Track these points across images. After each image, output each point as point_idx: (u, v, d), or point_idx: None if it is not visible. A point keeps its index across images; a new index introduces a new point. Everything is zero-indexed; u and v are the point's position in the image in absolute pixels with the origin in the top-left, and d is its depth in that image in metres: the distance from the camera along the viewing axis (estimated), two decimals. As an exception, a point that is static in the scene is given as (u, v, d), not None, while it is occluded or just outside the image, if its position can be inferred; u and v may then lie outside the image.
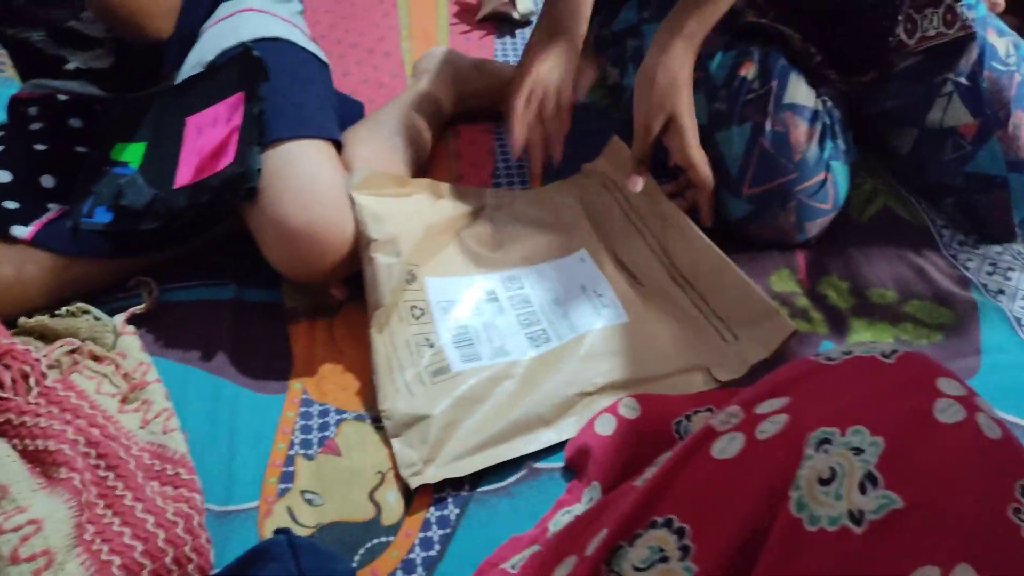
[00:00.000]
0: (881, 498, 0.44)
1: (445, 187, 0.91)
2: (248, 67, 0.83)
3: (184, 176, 0.81)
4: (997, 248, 0.90)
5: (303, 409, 0.74)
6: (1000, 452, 0.46)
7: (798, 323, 0.83)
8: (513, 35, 1.29)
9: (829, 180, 0.85)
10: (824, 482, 0.45)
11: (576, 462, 0.71)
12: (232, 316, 0.82)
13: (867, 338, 0.81)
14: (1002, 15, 2.05)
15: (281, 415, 0.74)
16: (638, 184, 0.87)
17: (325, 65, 0.96)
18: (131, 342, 0.77)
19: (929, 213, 0.94)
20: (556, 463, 0.71)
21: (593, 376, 0.74)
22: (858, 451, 0.46)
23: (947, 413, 0.47)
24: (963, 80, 0.88)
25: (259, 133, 0.78)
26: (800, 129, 0.84)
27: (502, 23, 1.30)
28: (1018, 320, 0.82)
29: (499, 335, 0.78)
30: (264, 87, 0.82)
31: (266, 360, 0.78)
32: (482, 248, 0.87)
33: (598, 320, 0.79)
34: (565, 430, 0.72)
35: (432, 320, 0.78)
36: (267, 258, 0.79)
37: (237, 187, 0.76)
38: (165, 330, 0.81)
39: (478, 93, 1.11)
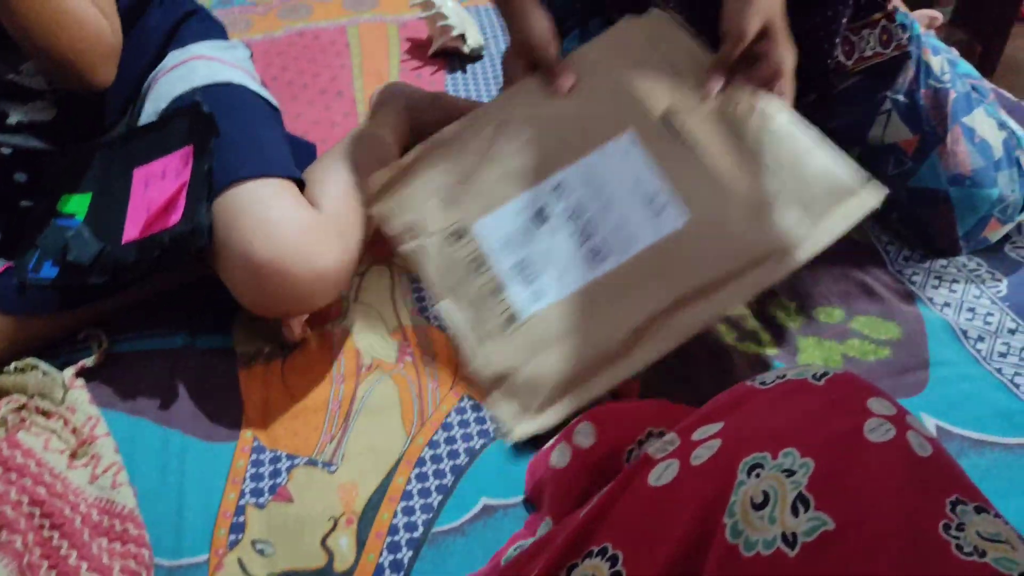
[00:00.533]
0: (813, 519, 0.44)
1: (448, 131, 0.84)
2: (199, 121, 0.83)
3: (132, 231, 0.80)
4: (942, 262, 0.91)
5: (254, 456, 0.74)
6: (930, 469, 0.47)
7: (748, 345, 0.84)
8: (464, 69, 1.30)
9: None
10: (758, 506, 0.46)
11: (535, 496, 0.71)
12: (182, 365, 0.82)
13: (816, 356, 0.82)
14: (950, 28, 2.10)
15: (232, 464, 0.73)
16: (717, 86, 0.76)
17: (276, 110, 0.96)
18: (80, 396, 0.77)
19: (875, 231, 0.96)
20: (512, 499, 0.71)
21: (660, 293, 0.71)
22: (790, 473, 0.47)
23: (877, 432, 0.48)
24: (901, 97, 0.90)
25: (208, 190, 0.78)
26: None
27: (453, 58, 1.32)
28: (964, 332, 0.83)
29: (558, 262, 0.74)
30: (220, 133, 0.82)
31: (217, 408, 0.78)
32: (518, 160, 0.79)
33: (658, 227, 0.73)
34: (642, 358, 0.71)
35: (491, 266, 0.76)
36: (236, 296, 0.78)
37: (187, 245, 0.76)
38: (115, 382, 0.80)
39: (434, 126, 1.12)
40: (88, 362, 0.80)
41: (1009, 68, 2.25)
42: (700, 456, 0.50)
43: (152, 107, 0.89)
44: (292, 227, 0.76)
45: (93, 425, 0.74)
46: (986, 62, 2.06)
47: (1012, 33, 2.05)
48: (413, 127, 1.10)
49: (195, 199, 0.78)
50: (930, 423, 0.75)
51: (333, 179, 0.90)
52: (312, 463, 0.73)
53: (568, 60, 0.82)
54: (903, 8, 1.13)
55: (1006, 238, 0.94)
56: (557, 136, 0.79)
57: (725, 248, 0.71)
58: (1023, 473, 0.70)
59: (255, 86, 0.94)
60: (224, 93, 0.88)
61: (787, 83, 0.75)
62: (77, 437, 0.73)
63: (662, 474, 0.51)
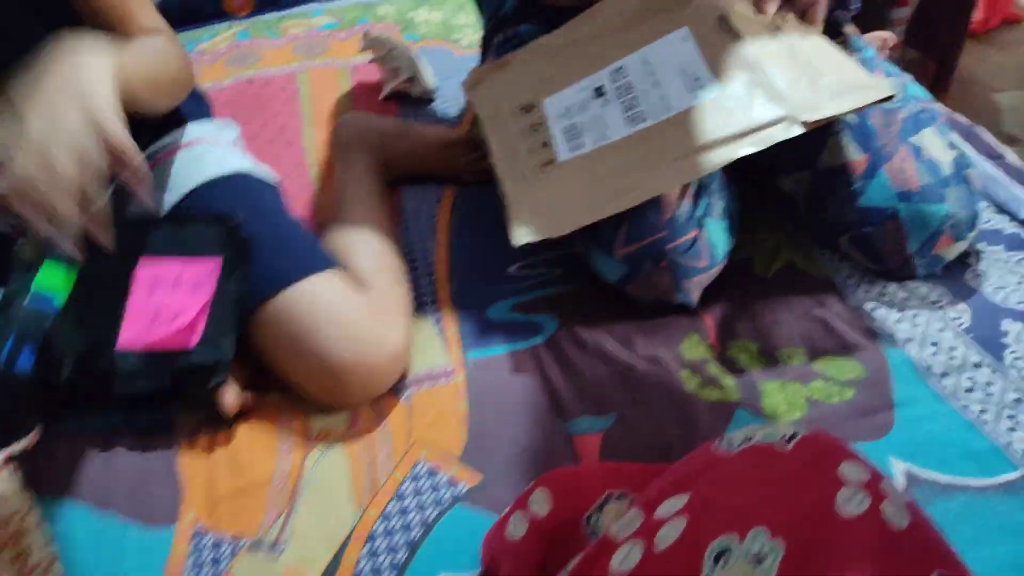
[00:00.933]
0: (782, 615, 0.41)
1: (540, 41, 0.97)
2: (234, 241, 0.82)
3: (130, 334, 0.76)
4: (902, 293, 0.89)
5: (195, 541, 0.70)
6: (908, 543, 0.44)
7: (710, 391, 0.82)
8: (417, 112, 1.28)
9: (702, 238, 0.85)
10: (723, 601, 0.43)
11: (492, 569, 0.68)
12: (120, 443, 0.78)
13: (780, 400, 0.80)
14: (904, 48, 2.12)
15: (171, 551, 0.69)
16: (774, 7, 0.86)
17: (278, 188, 0.97)
18: (10, 484, 0.72)
19: (832, 264, 0.94)
20: (469, 573, 0.68)
21: (676, 142, 0.82)
22: (759, 559, 0.44)
23: (851, 503, 0.45)
24: (852, 119, 0.90)
25: (235, 320, 0.77)
26: None
27: (404, 101, 1.30)
28: (928, 368, 0.81)
29: (603, 124, 0.86)
30: (251, 239, 0.82)
31: (156, 488, 0.74)
32: (588, 53, 0.93)
33: (693, 98, 0.83)
34: (658, 186, 0.82)
35: (548, 127, 0.90)
36: (312, 397, 0.80)
37: (206, 378, 0.74)
38: (50, 466, 0.76)
39: (404, 156, 1.11)
40: (19, 447, 0.76)
41: (963, 84, 2.28)
42: (665, 538, 0.47)
43: (157, 192, 0.87)
44: (362, 323, 0.79)
45: (23, 516, 0.70)
46: (940, 80, 2.08)
47: (964, 49, 2.07)
48: (385, 160, 1.09)
49: (219, 327, 0.76)
50: (898, 468, 0.73)
51: (358, 250, 0.91)
52: (257, 546, 0.69)
53: None
54: (856, 32, 1.13)
55: (965, 264, 0.92)
56: (624, 35, 0.93)
57: (748, 110, 0.80)
58: (993, 518, 0.68)
59: (258, 170, 0.94)
60: (241, 187, 0.90)
61: (820, 8, 0.87)
62: (6, 530, 0.69)
63: (625, 558, 0.48)
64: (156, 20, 0.85)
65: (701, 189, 0.86)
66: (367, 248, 0.92)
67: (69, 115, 0.63)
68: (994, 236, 0.95)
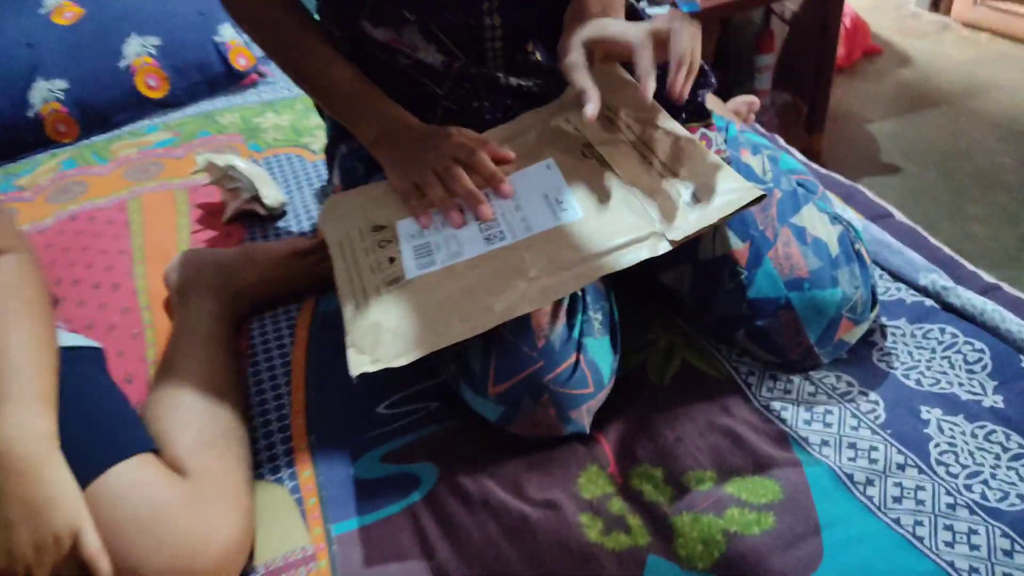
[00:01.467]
0: None
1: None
2: None
3: None
4: (809, 387, 0.81)
5: None
6: None
7: (616, 536, 0.71)
8: (265, 233, 1.15)
9: (583, 361, 0.75)
10: None
11: None
12: None
13: (694, 539, 0.69)
14: (773, 92, 2.12)
15: None
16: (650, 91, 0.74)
17: (95, 349, 0.85)
18: None
19: (730, 361, 0.85)
20: None
21: (536, 260, 0.74)
22: None
23: None
24: None
25: None
26: (541, 310, 0.74)
27: (251, 221, 1.17)
28: (851, 477, 0.72)
29: (457, 242, 0.79)
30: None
31: None
32: None
33: (553, 220, 0.78)
34: (519, 306, 0.71)
35: (399, 244, 0.81)
36: None
37: None
38: None
39: (253, 286, 0.98)
40: None
41: (836, 119, 2.30)
42: None
43: None
44: (179, 523, 0.67)
45: None
46: (813, 118, 2.08)
47: (832, 84, 2.09)
48: (233, 296, 0.95)
49: None
50: (836, 612, 0.62)
51: (182, 421, 0.77)
52: None
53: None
54: (720, 108, 1.06)
55: (870, 344, 0.85)
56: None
57: (613, 229, 0.74)
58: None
59: (68, 336, 0.83)
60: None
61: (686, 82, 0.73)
62: None
63: None
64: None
65: (574, 306, 0.76)
66: (193, 417, 0.78)
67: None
68: (895, 308, 0.88)
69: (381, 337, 0.72)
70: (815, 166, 1.12)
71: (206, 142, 1.37)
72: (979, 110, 2.31)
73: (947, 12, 2.75)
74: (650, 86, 0.70)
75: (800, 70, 2.13)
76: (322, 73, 0.89)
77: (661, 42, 0.71)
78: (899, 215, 1.01)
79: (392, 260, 0.79)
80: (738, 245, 0.80)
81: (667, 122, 0.81)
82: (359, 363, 0.71)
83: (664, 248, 0.71)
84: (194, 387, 0.80)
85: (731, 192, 0.73)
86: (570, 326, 0.75)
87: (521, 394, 0.72)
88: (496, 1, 0.86)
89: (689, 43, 0.69)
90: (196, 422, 0.77)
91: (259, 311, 1.00)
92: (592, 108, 0.73)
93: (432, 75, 0.90)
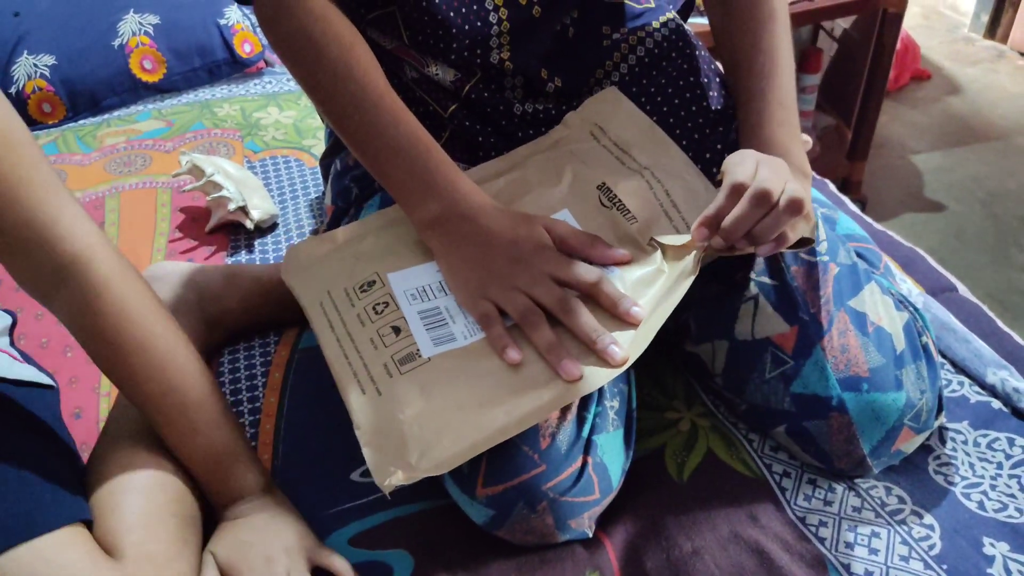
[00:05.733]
0: None
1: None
2: None
3: None
4: (854, 500, 0.69)
5: None
6: None
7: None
8: (250, 247, 1.04)
9: (591, 465, 0.63)
10: None
11: None
12: None
13: None
14: (817, 114, 1.98)
15: None
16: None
17: (50, 388, 0.74)
18: None
19: (763, 455, 0.74)
20: None
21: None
22: None
23: None
24: (767, 279, 0.70)
25: None
26: None
27: (236, 234, 1.06)
28: (897, 623, 0.61)
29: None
30: None
31: None
32: None
33: None
34: (553, 401, 0.60)
35: (399, 307, 0.67)
36: None
37: None
38: None
39: (232, 312, 0.87)
40: None
41: (878, 147, 2.16)
42: None
43: None
44: None
45: None
46: (856, 146, 1.95)
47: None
48: (210, 321, 0.85)
49: None
50: None
51: (123, 491, 0.65)
52: None
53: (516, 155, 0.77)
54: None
55: (926, 449, 0.73)
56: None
57: (652, 290, 0.65)
58: None
59: (18, 367, 0.72)
60: None
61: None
62: None
63: None
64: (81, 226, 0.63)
65: (588, 398, 0.65)
66: (139, 482, 0.66)
67: None
68: (957, 407, 0.76)
69: (409, 438, 0.60)
70: (871, 221, 1.00)
71: (199, 135, 1.26)
72: (1031, 149, 2.17)
73: (1004, 39, 2.59)
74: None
75: (846, 93, 2.00)
76: (377, 118, 0.69)
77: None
78: (963, 290, 0.89)
79: (397, 331, 0.66)
80: (783, 328, 0.68)
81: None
82: (386, 474, 0.59)
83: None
84: (146, 441, 0.69)
85: None
86: (580, 420, 0.64)
87: (514, 500, 0.61)
88: (506, 38, 0.74)
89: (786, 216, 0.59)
90: (142, 489, 0.66)
91: (233, 341, 0.90)
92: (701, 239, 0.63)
93: (440, 93, 0.78)
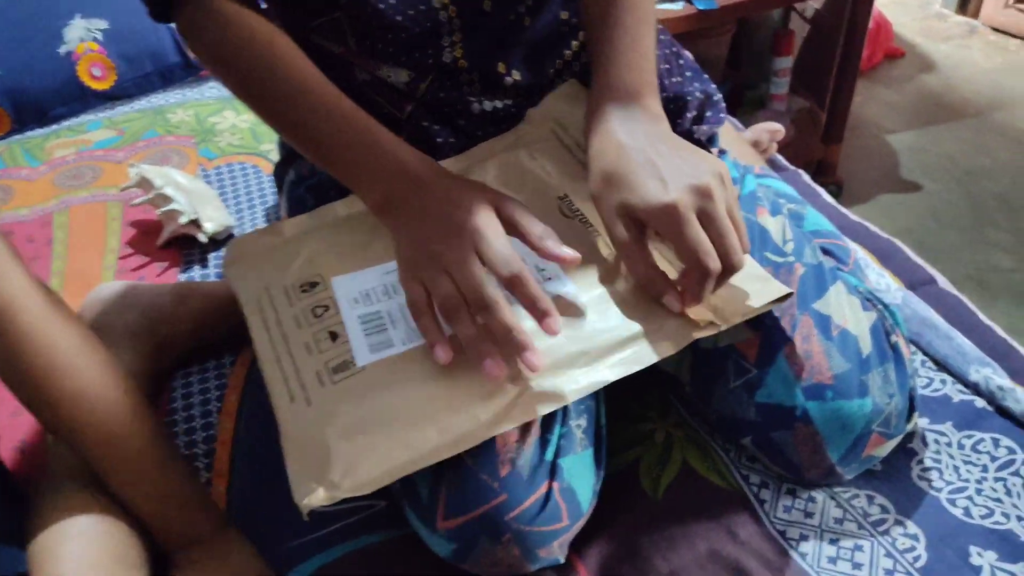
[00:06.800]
0: None
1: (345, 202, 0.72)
2: None
3: None
4: (835, 511, 0.67)
5: None
6: None
7: None
8: (204, 262, 1.00)
9: (557, 490, 0.60)
10: None
11: None
12: None
13: None
14: (791, 96, 1.95)
15: None
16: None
17: None
18: None
19: (739, 465, 0.71)
20: None
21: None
22: None
23: None
24: None
25: None
26: None
27: (190, 247, 1.01)
28: (883, 643, 0.58)
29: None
30: None
31: None
32: None
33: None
34: (491, 422, 0.55)
35: (339, 311, 0.63)
36: None
37: None
38: None
39: (184, 334, 0.83)
40: None
41: (853, 128, 2.13)
42: None
43: None
44: None
45: None
46: (831, 128, 1.92)
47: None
48: (160, 344, 0.80)
49: None
50: None
51: (60, 538, 0.60)
52: None
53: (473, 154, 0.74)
54: (735, 141, 0.90)
55: (909, 452, 0.70)
56: None
57: (604, 327, 0.60)
58: None
59: None
60: None
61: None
62: None
63: None
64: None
65: (553, 413, 0.61)
66: (81, 527, 0.62)
67: None
68: (939, 407, 0.73)
69: (333, 454, 0.55)
70: (846, 212, 0.97)
71: (152, 143, 1.21)
72: (1005, 125, 2.15)
73: (975, 15, 2.57)
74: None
75: (820, 74, 1.97)
76: (299, 97, 0.65)
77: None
78: (943, 281, 0.86)
79: (334, 336, 0.62)
80: (747, 335, 0.65)
81: None
82: (307, 493, 0.54)
83: (660, 355, 0.58)
84: (90, 482, 0.65)
85: (752, 291, 0.59)
86: (544, 442, 0.60)
87: (476, 533, 0.57)
88: (458, 36, 0.70)
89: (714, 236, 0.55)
90: (85, 535, 0.62)
91: (186, 363, 0.86)
92: (674, 305, 0.58)
93: (394, 95, 0.74)
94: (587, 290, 0.62)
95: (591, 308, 0.60)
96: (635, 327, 0.59)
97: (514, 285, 0.55)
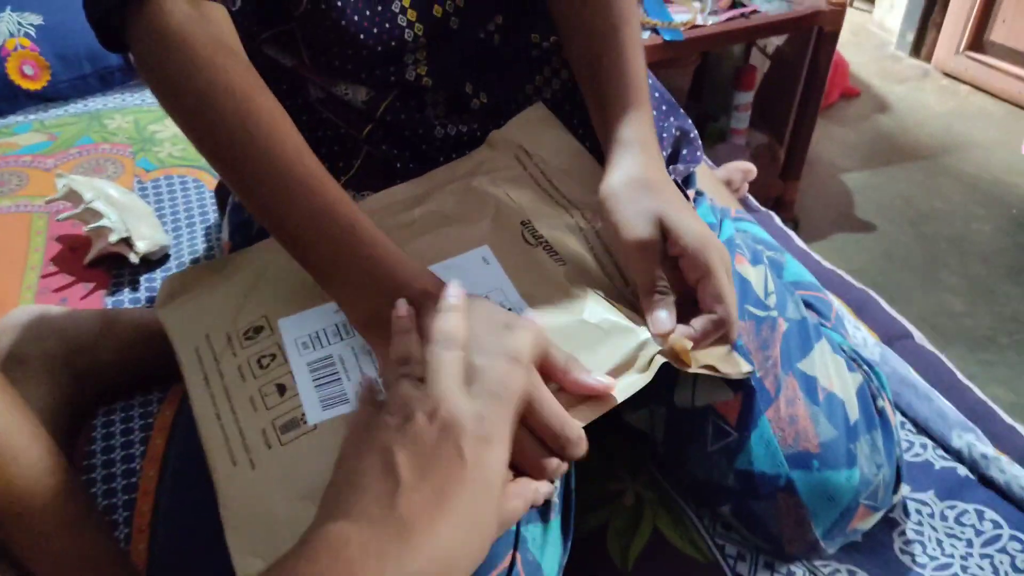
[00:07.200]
0: None
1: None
2: None
3: None
4: (814, 586, 0.62)
5: None
6: None
7: None
8: (135, 284, 0.91)
9: (520, 562, 0.54)
10: None
11: None
12: None
13: None
14: (750, 132, 1.94)
15: None
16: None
17: None
18: None
19: (714, 534, 0.66)
20: None
21: None
22: None
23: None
24: None
25: None
26: None
27: (119, 268, 0.93)
28: None
29: (372, 358, 0.56)
30: None
31: None
32: None
33: None
34: None
35: (287, 359, 0.57)
36: None
37: None
38: None
39: (108, 365, 0.75)
40: None
41: (809, 164, 2.12)
42: None
43: None
44: None
45: None
46: (790, 165, 1.92)
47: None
48: (79, 377, 0.73)
49: None
50: None
51: None
52: None
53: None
54: (709, 180, 0.86)
55: (890, 523, 0.66)
56: (412, 241, 0.63)
57: (587, 343, 0.55)
58: None
59: None
60: None
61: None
62: None
63: None
64: None
65: (516, 477, 0.55)
66: None
67: None
68: (921, 474, 0.70)
69: (280, 525, 0.49)
70: (819, 259, 0.94)
71: (85, 151, 1.12)
72: (956, 169, 2.18)
73: (928, 58, 2.62)
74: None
75: (779, 110, 1.97)
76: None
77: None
78: (919, 337, 0.83)
79: (282, 390, 0.56)
80: (726, 395, 0.60)
81: None
82: (249, 567, 0.48)
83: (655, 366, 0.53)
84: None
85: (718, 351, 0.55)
86: (509, 517, 0.55)
87: None
88: (422, 52, 0.65)
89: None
90: None
91: (109, 399, 0.77)
92: (666, 323, 0.55)
93: (351, 114, 0.68)
94: (553, 318, 0.56)
95: (555, 337, 0.55)
96: (602, 357, 0.54)
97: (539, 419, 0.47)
